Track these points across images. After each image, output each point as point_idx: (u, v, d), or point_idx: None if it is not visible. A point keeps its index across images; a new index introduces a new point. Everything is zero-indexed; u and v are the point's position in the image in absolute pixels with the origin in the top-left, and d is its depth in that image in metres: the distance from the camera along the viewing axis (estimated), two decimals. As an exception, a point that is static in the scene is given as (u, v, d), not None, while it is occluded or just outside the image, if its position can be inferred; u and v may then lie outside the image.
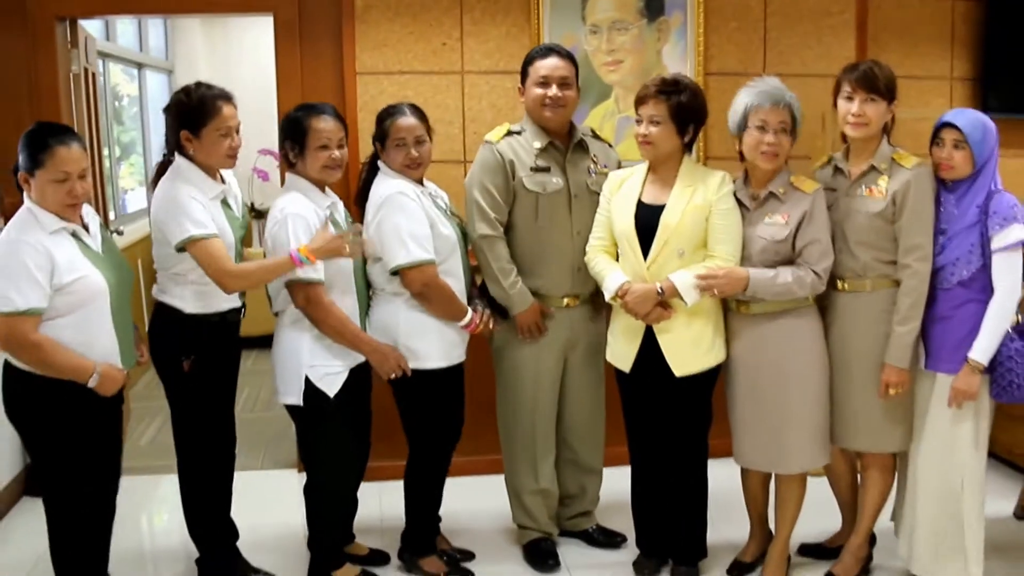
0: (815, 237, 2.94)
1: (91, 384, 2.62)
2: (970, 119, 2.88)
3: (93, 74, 4.45)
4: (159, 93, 6.80)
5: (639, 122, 3.04)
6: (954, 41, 4.45)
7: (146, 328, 3.13)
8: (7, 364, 2.64)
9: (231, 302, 3.02)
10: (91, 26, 4.61)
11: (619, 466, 3.37)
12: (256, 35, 6.62)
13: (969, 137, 2.85)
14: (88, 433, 2.70)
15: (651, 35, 4.16)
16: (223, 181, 3.04)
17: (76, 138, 2.67)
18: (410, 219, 3.04)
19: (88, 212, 2.77)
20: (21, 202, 2.65)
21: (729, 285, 2.93)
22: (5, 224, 2.66)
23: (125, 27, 6.18)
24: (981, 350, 2.83)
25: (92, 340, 2.65)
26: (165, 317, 2.97)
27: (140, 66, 6.40)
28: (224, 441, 3.15)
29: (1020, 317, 2.88)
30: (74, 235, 2.65)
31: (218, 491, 3.17)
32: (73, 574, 2.80)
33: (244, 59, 6.72)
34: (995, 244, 2.80)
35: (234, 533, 3.23)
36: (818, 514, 3.44)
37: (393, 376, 3.06)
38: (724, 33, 4.22)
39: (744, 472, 3.27)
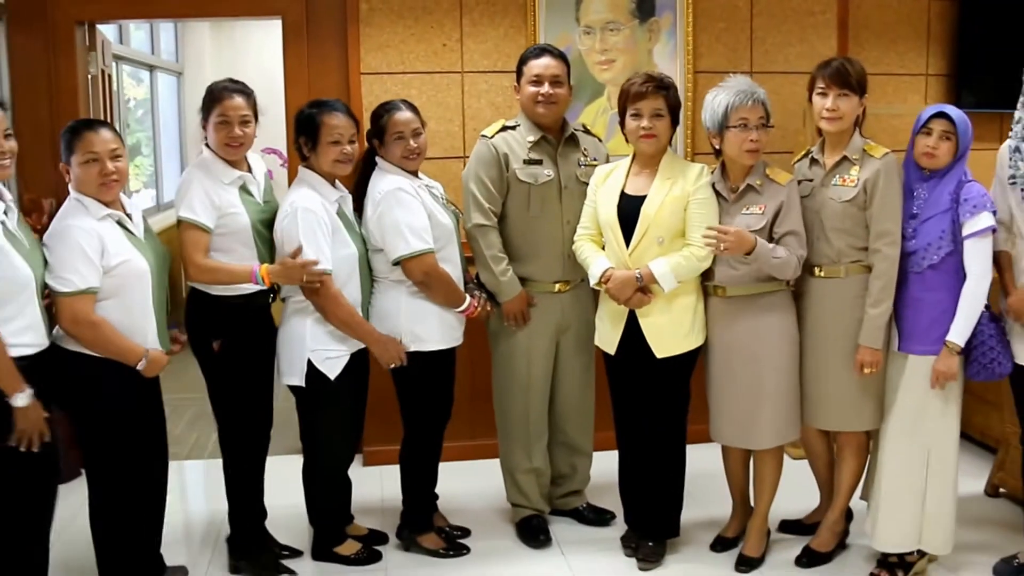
0: (792, 228, 3.09)
1: (139, 367, 2.78)
2: (959, 114, 3.00)
3: (109, 76, 4.63)
4: (169, 95, 6.99)
5: (638, 116, 3.16)
6: (930, 39, 4.61)
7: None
8: (56, 346, 2.76)
9: (257, 285, 3.10)
10: (106, 30, 4.78)
11: (611, 450, 3.51)
12: (262, 38, 6.86)
13: (959, 129, 2.98)
14: (133, 412, 2.84)
15: (642, 35, 4.32)
16: (249, 169, 3.17)
17: (105, 124, 2.85)
18: (409, 212, 3.19)
19: (130, 202, 2.94)
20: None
21: (736, 244, 3.00)
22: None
23: (138, 31, 6.36)
24: (958, 332, 2.96)
25: (134, 320, 2.80)
26: (196, 300, 3.10)
27: (152, 68, 6.57)
28: (259, 422, 3.25)
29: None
30: (119, 223, 2.81)
31: (252, 471, 3.27)
32: (121, 555, 2.92)
33: (250, 61, 6.89)
34: (966, 230, 2.93)
35: (264, 513, 3.36)
36: (799, 494, 3.61)
37: (393, 366, 3.22)
38: (712, 33, 4.39)
39: (725, 451, 3.43)
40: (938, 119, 2.99)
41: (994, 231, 2.96)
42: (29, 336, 2.61)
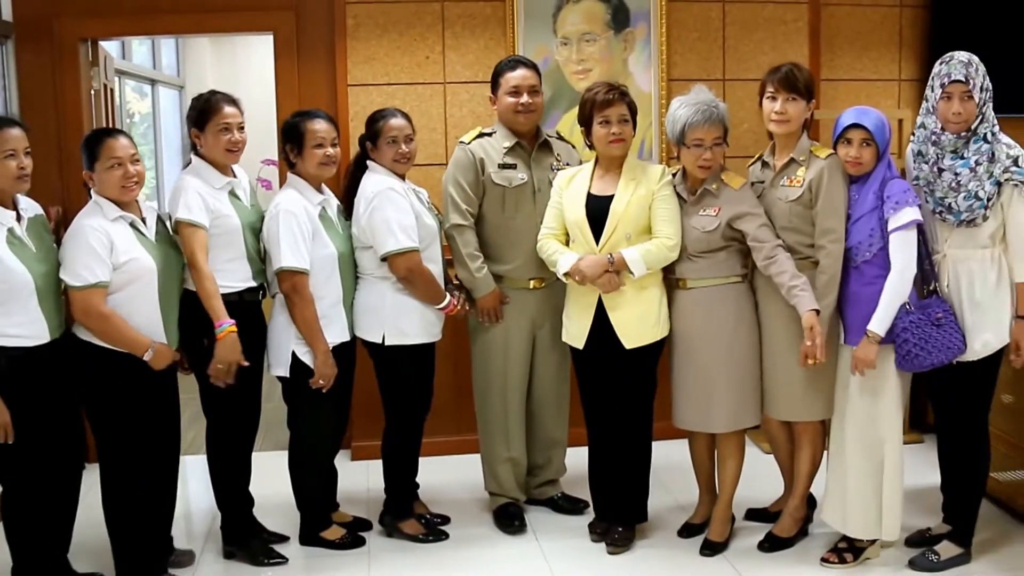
0: (760, 223, 3.23)
1: (146, 358, 2.99)
2: (874, 119, 3.12)
3: (111, 90, 4.85)
4: (171, 108, 7.18)
5: (607, 123, 3.33)
6: (902, 45, 4.73)
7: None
8: (71, 335, 3.01)
9: (247, 282, 3.29)
10: (109, 45, 4.97)
11: (585, 445, 3.65)
12: (261, 53, 6.95)
13: (876, 135, 3.11)
14: (144, 403, 3.05)
15: (618, 45, 4.49)
16: (234, 175, 3.38)
17: (123, 132, 3.11)
18: (398, 211, 3.38)
19: (147, 207, 3.18)
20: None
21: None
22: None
23: (140, 46, 6.57)
24: (877, 322, 3.09)
25: (138, 314, 3.02)
26: (189, 299, 3.25)
27: (153, 82, 6.76)
28: (247, 415, 3.41)
29: (928, 288, 3.15)
30: (132, 225, 3.05)
31: (239, 462, 3.43)
32: (131, 537, 3.14)
33: (250, 76, 7.09)
34: (890, 226, 3.06)
35: (251, 501, 3.54)
36: (766, 485, 3.76)
37: (321, 383, 3.33)
38: (686, 42, 4.54)
39: (691, 440, 3.58)
40: (854, 129, 3.12)
41: (919, 225, 3.08)
42: (28, 329, 2.87)
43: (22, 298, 2.85)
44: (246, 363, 3.19)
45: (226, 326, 3.13)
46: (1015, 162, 3.06)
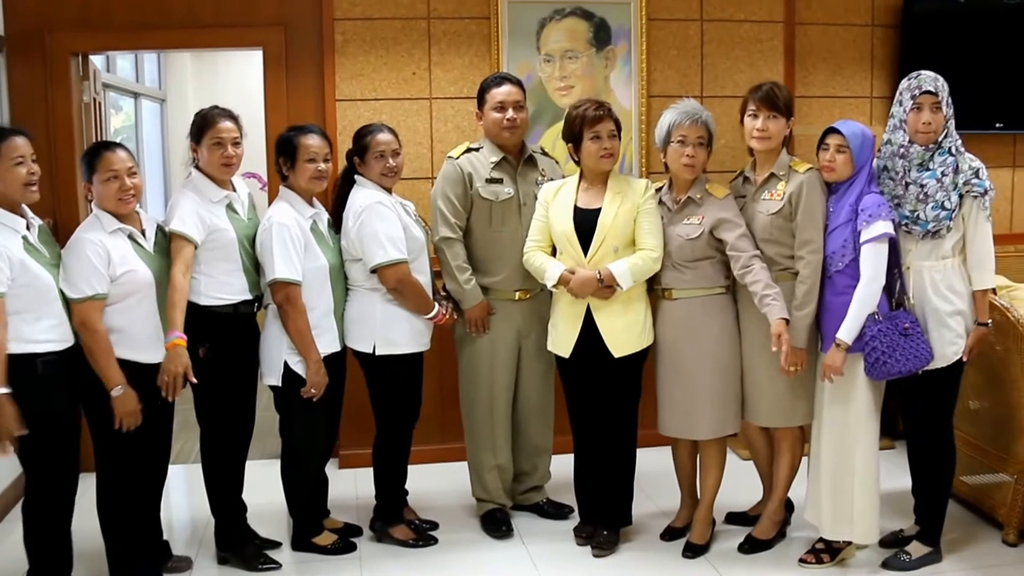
0: (743, 233, 3.36)
1: (114, 394, 3.04)
2: (852, 128, 3.27)
3: (99, 103, 4.90)
4: (153, 121, 7.19)
5: (597, 139, 3.44)
6: (873, 64, 4.90)
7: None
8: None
9: (242, 294, 3.37)
10: (94, 59, 4.97)
11: (570, 453, 3.77)
12: (241, 67, 7.10)
13: (850, 143, 3.24)
14: (143, 410, 3.10)
15: (599, 63, 4.62)
16: (234, 189, 3.45)
17: (121, 145, 3.19)
18: (387, 224, 3.47)
19: (148, 219, 3.26)
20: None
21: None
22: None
23: (123, 59, 6.56)
24: (845, 330, 3.21)
25: (137, 325, 3.10)
26: (188, 310, 3.29)
27: (136, 95, 6.79)
28: (241, 423, 3.47)
29: (897, 300, 3.29)
30: (130, 237, 3.13)
31: (232, 470, 3.50)
32: (125, 544, 3.23)
33: (230, 89, 7.11)
34: (862, 237, 3.19)
35: (244, 508, 3.60)
36: (746, 490, 3.88)
37: (313, 392, 3.41)
38: (665, 60, 4.68)
39: (674, 447, 3.69)
40: (832, 135, 3.27)
41: (891, 238, 3.21)
42: (56, 333, 2.97)
43: (48, 302, 2.95)
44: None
45: (174, 337, 3.11)
46: (976, 174, 3.22)
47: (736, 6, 4.73)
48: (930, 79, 3.25)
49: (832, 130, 3.29)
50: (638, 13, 4.59)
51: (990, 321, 3.33)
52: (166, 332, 3.13)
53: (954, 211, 3.21)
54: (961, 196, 3.22)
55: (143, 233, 3.20)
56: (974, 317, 3.29)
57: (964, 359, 3.28)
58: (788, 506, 3.71)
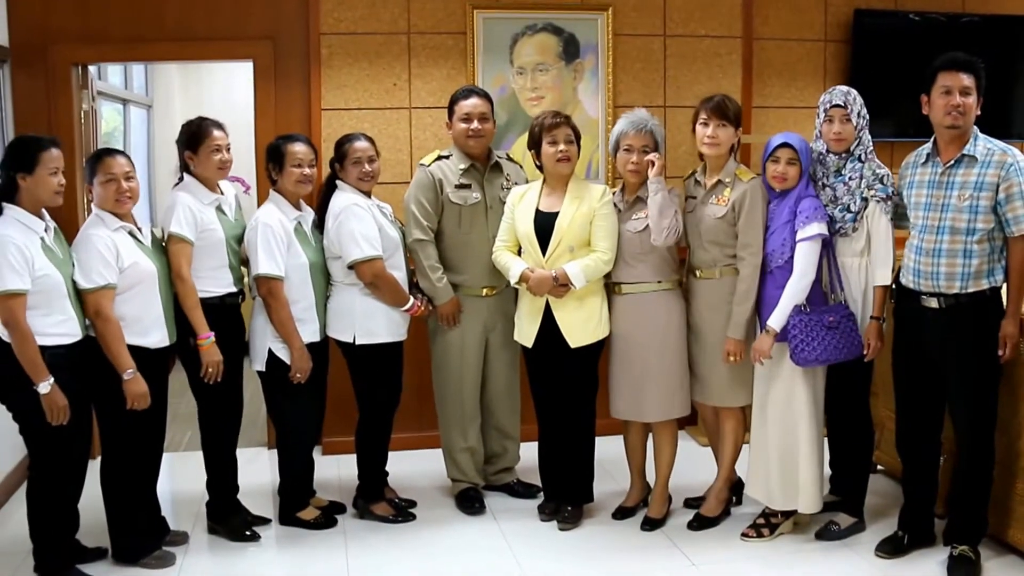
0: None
1: (125, 377, 3.31)
2: (798, 141, 3.55)
3: (95, 111, 5.13)
4: (140, 126, 7.33)
5: (554, 143, 3.73)
6: (826, 76, 5.17)
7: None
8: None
9: (228, 288, 3.67)
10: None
11: (535, 440, 4.07)
12: (227, 76, 7.32)
13: (801, 155, 3.54)
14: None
15: (568, 75, 4.90)
16: (221, 192, 3.75)
17: (121, 152, 3.50)
18: (362, 224, 3.76)
19: (141, 219, 3.54)
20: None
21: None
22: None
23: (113, 69, 6.67)
24: (774, 318, 3.50)
25: (145, 312, 3.41)
26: (178, 305, 3.60)
27: (125, 102, 6.92)
28: (231, 404, 3.77)
29: (833, 295, 3.58)
30: (130, 233, 3.43)
31: (225, 447, 3.80)
32: (128, 519, 3.52)
33: (215, 97, 7.34)
34: (798, 236, 3.48)
35: (236, 488, 3.90)
36: (703, 475, 4.11)
37: (299, 376, 3.71)
38: (631, 72, 4.96)
39: (625, 432, 3.98)
40: (783, 148, 3.55)
41: (824, 238, 3.50)
42: (66, 328, 3.26)
43: (58, 298, 3.22)
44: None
45: (210, 339, 3.54)
46: (880, 180, 3.52)
47: (697, 22, 5.02)
48: (840, 93, 3.56)
49: (784, 145, 3.54)
50: (605, 29, 4.88)
51: (883, 317, 3.59)
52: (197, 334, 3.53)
53: (858, 214, 3.52)
54: (866, 200, 3.53)
55: (140, 231, 3.50)
56: (871, 311, 3.56)
57: (866, 356, 3.58)
58: (734, 486, 4.01)
